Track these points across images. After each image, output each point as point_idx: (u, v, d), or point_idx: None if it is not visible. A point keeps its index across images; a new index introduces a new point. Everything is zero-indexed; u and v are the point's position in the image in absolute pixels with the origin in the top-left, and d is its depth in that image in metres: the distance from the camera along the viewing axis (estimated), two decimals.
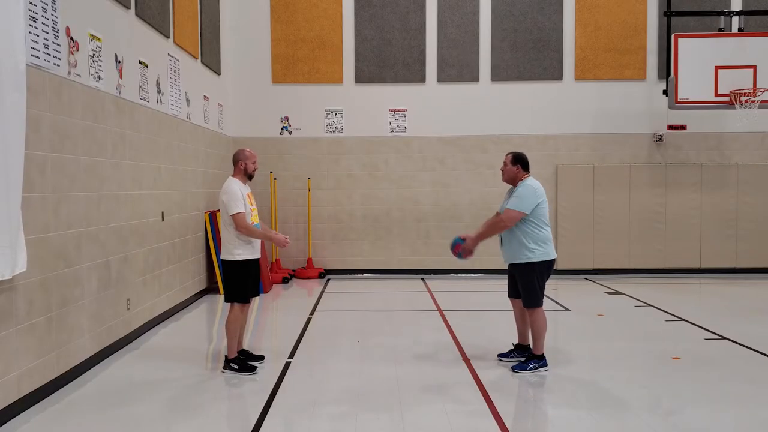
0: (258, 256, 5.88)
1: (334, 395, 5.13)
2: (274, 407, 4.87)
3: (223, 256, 5.76)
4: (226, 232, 5.70)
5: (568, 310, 8.58)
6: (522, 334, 6.07)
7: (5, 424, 4.51)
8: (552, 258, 5.72)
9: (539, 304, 5.73)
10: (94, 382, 5.51)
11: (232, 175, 5.83)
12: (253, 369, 5.74)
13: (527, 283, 5.71)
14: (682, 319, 7.90)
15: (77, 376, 5.57)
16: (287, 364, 5.99)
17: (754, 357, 6.23)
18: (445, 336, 7.10)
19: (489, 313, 8.49)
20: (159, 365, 5.99)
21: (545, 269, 5.72)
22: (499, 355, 6.12)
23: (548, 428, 4.64)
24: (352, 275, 11.75)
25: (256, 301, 9.33)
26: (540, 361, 5.74)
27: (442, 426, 4.47)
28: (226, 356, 5.84)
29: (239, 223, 5.58)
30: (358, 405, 4.90)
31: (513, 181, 5.84)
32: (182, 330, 7.64)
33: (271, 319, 8.62)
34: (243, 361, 5.79)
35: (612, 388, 5.28)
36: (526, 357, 5.87)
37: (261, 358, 6.08)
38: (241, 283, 5.74)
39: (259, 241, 5.88)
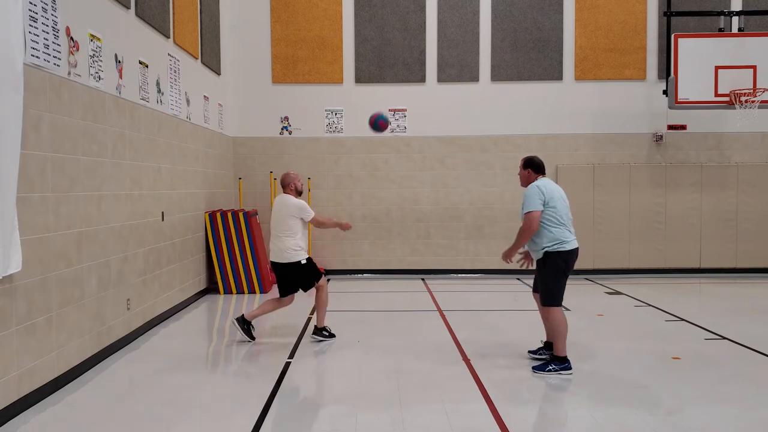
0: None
1: (334, 395, 5.14)
2: (274, 407, 4.87)
3: (290, 259, 6.68)
4: (291, 239, 6.65)
5: (568, 310, 8.55)
6: (546, 331, 5.96)
7: (5, 424, 4.51)
8: (568, 249, 5.63)
9: (556, 303, 5.66)
10: (94, 383, 5.51)
11: (285, 193, 6.87)
12: (252, 338, 6.79)
13: (544, 279, 5.70)
14: (682, 319, 7.90)
15: (77, 376, 5.57)
16: (287, 364, 5.99)
17: (754, 357, 6.23)
18: (445, 336, 7.10)
19: (489, 313, 8.49)
20: (159, 365, 5.99)
21: (562, 263, 5.62)
22: (529, 351, 6.18)
23: (548, 428, 4.64)
24: (353, 275, 11.75)
25: (255, 301, 9.35)
26: (562, 363, 5.62)
27: (442, 426, 4.47)
28: (315, 325, 6.99)
29: (320, 221, 6.90)
30: (358, 405, 4.90)
31: (527, 184, 5.89)
32: (182, 330, 7.63)
33: (271, 318, 8.61)
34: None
35: (612, 388, 5.28)
36: (548, 357, 5.80)
37: (252, 339, 6.83)
38: (311, 273, 6.80)
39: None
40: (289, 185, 6.89)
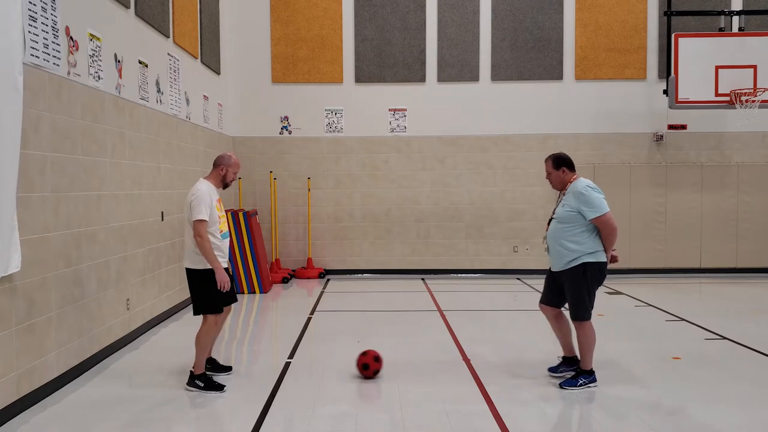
0: (227, 264, 5.36)
1: (334, 395, 5.13)
2: (274, 407, 4.87)
3: (188, 265, 5.25)
4: (190, 238, 5.19)
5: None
6: (566, 345, 5.57)
7: (5, 424, 4.51)
8: (604, 261, 5.22)
9: (587, 316, 5.28)
10: (95, 382, 5.51)
11: (205, 177, 5.42)
12: (220, 387, 5.21)
13: (578, 291, 5.25)
14: (682, 319, 7.89)
15: (77, 376, 5.56)
16: (287, 364, 5.99)
17: (754, 357, 6.23)
18: (445, 336, 7.09)
19: (489, 313, 8.48)
20: (159, 365, 5.98)
21: (597, 274, 5.23)
22: (549, 369, 5.62)
23: (548, 428, 4.63)
24: (352, 275, 11.75)
25: (255, 301, 9.35)
26: (590, 376, 5.31)
27: (442, 426, 4.46)
28: (191, 371, 5.31)
29: (199, 231, 5.09)
30: (358, 405, 4.90)
31: (563, 185, 5.35)
32: (182, 330, 7.62)
33: (271, 319, 8.61)
34: (210, 379, 5.29)
35: (612, 388, 5.27)
36: (574, 372, 5.41)
37: (228, 369, 5.69)
38: (211, 292, 5.22)
39: (227, 248, 5.40)
40: (219, 167, 5.43)
